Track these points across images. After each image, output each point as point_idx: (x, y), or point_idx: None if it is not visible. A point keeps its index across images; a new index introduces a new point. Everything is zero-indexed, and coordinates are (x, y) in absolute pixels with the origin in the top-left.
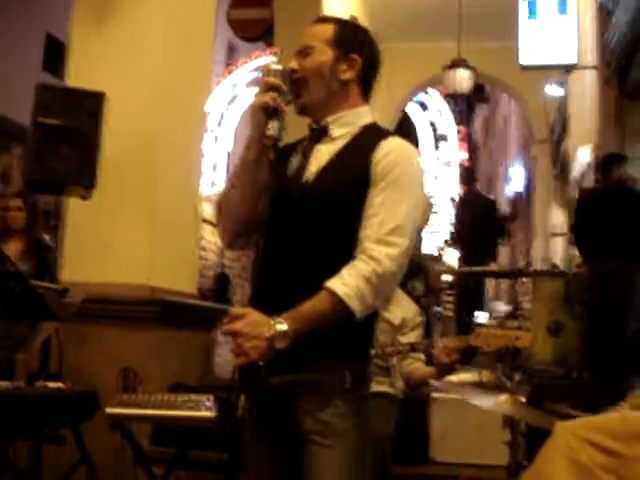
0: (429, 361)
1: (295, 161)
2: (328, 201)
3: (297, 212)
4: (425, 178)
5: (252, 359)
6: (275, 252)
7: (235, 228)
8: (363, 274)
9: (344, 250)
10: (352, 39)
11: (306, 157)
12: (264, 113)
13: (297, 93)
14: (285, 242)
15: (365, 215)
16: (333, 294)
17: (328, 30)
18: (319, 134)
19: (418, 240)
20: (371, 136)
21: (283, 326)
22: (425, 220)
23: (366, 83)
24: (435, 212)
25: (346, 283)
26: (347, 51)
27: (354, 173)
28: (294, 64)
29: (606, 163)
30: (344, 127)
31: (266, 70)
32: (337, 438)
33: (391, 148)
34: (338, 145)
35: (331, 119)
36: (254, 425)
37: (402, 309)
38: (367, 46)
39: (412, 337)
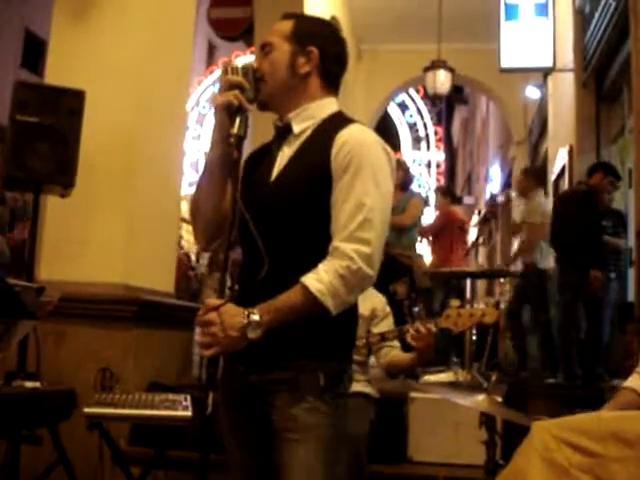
0: (407, 349)
1: (265, 162)
2: (290, 200)
3: (263, 213)
4: (392, 164)
5: (225, 349)
6: (246, 253)
7: (206, 230)
8: (337, 270)
9: (314, 248)
10: (309, 32)
11: (272, 158)
12: (227, 112)
13: (257, 90)
14: (254, 243)
15: (332, 210)
16: (307, 290)
17: (287, 26)
18: (283, 132)
19: (412, 238)
20: (329, 128)
21: (255, 316)
22: (418, 216)
23: (327, 74)
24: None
25: (320, 279)
26: (304, 44)
27: (313, 169)
28: (256, 62)
29: (594, 168)
30: (305, 121)
31: (226, 68)
32: (306, 433)
33: (347, 139)
34: (300, 141)
35: (292, 114)
36: (232, 422)
37: (370, 300)
38: (326, 37)
39: (384, 326)
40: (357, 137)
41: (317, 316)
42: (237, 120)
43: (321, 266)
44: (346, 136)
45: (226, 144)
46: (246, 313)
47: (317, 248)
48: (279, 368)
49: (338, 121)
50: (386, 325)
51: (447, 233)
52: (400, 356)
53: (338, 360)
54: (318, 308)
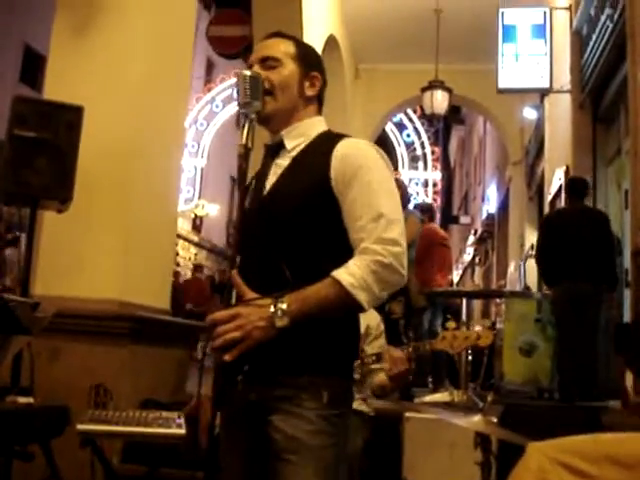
0: None
1: (257, 179)
2: (288, 209)
3: (262, 226)
4: (390, 167)
5: (253, 342)
6: (247, 267)
7: None
8: (369, 265)
9: (314, 259)
10: (311, 57)
11: (265, 173)
12: None
13: (263, 102)
14: (255, 257)
15: (349, 221)
16: (338, 283)
17: (289, 46)
18: (276, 149)
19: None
20: (323, 143)
21: (283, 305)
22: (415, 234)
23: (321, 100)
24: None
25: (352, 273)
26: (309, 68)
27: (309, 180)
28: (261, 72)
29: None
30: (298, 138)
31: (238, 76)
32: (307, 455)
33: (347, 151)
34: (293, 155)
35: (285, 132)
36: (229, 441)
37: (364, 317)
38: (322, 65)
39: (377, 346)
40: (356, 149)
41: (349, 312)
42: (245, 131)
43: (352, 261)
44: (345, 149)
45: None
46: (273, 301)
47: (312, 259)
48: (280, 384)
49: (331, 136)
50: (378, 344)
51: (429, 254)
52: (380, 378)
53: (341, 376)
54: (349, 303)
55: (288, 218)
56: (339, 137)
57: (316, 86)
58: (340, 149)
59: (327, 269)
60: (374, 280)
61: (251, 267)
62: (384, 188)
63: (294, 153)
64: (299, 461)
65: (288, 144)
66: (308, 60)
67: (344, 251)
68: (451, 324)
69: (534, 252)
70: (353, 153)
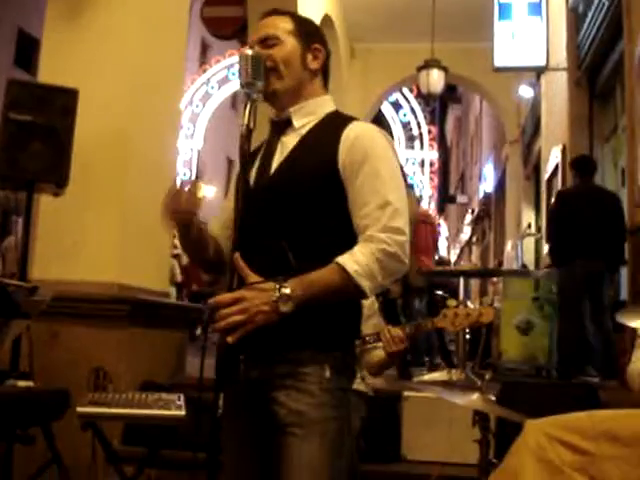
0: None
1: (263, 156)
2: (295, 190)
3: (266, 206)
4: (397, 156)
5: (255, 326)
6: (251, 248)
7: (207, 267)
8: (373, 253)
9: (317, 241)
10: (312, 31)
11: (271, 151)
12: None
13: (267, 80)
14: (258, 237)
15: (354, 206)
16: (343, 270)
17: (287, 22)
18: (283, 126)
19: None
20: (334, 123)
21: (287, 289)
22: (412, 215)
23: (325, 73)
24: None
25: (357, 260)
26: (310, 42)
27: (319, 160)
28: (262, 51)
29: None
30: (306, 116)
31: (239, 57)
32: (312, 428)
33: (357, 134)
34: (301, 134)
35: (293, 109)
36: (229, 421)
37: None
38: (323, 37)
39: (370, 325)
40: (367, 134)
41: (352, 298)
42: (247, 111)
43: (357, 248)
44: (356, 132)
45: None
46: (277, 286)
47: (318, 240)
48: (282, 361)
49: (340, 118)
50: (372, 323)
51: (412, 234)
52: (379, 355)
53: (343, 352)
54: (352, 290)
55: (294, 199)
56: (348, 120)
57: (319, 58)
58: (350, 133)
59: (330, 252)
60: (379, 268)
61: (254, 248)
62: (392, 177)
63: (302, 132)
64: (304, 434)
65: (296, 122)
66: (307, 33)
67: (347, 235)
68: (451, 302)
69: (545, 228)
70: (363, 138)
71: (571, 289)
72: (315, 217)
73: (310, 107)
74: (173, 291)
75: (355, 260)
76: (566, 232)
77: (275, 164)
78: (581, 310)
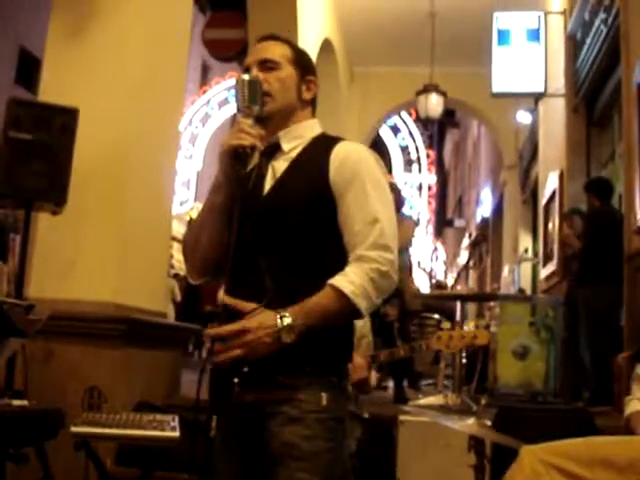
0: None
1: (253, 180)
2: (288, 210)
3: (260, 229)
4: (385, 173)
5: (258, 355)
6: (246, 271)
7: (203, 267)
8: (367, 273)
9: (314, 260)
10: (309, 62)
11: (262, 175)
12: (234, 157)
13: (263, 104)
14: (253, 261)
15: (344, 223)
16: (339, 292)
17: (287, 49)
18: (271, 150)
19: (403, 260)
20: (322, 144)
21: (288, 319)
22: (410, 238)
23: (314, 104)
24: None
25: (352, 281)
26: (306, 73)
27: (311, 180)
28: (260, 74)
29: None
30: (295, 140)
31: (237, 81)
32: (304, 461)
33: (346, 154)
34: (291, 157)
35: (282, 133)
36: (223, 445)
37: None
38: (315, 70)
39: (365, 343)
40: (355, 152)
41: (348, 320)
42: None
43: (350, 269)
44: (345, 151)
45: (230, 188)
46: (279, 317)
47: (312, 261)
48: (278, 386)
49: (328, 139)
50: (365, 344)
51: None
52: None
53: (338, 377)
54: (350, 311)
55: (287, 219)
56: (336, 140)
57: (312, 90)
58: (339, 152)
59: (323, 270)
60: (372, 288)
61: (247, 268)
62: (380, 194)
63: (292, 155)
64: (296, 466)
65: (285, 146)
66: (304, 64)
67: (339, 253)
68: (446, 324)
69: (578, 246)
70: (352, 157)
71: (592, 311)
72: (309, 236)
73: (298, 131)
74: (171, 311)
75: (350, 281)
76: (598, 253)
77: (267, 187)
78: (603, 335)
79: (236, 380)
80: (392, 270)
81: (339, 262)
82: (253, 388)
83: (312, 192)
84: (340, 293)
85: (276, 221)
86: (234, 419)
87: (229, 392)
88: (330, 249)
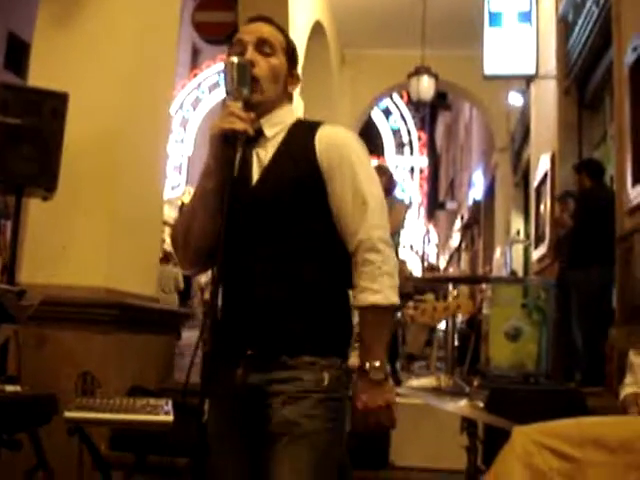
0: None
1: (236, 169)
2: (281, 196)
3: (253, 217)
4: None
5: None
6: (240, 260)
7: (196, 256)
8: (381, 274)
9: (307, 243)
10: (296, 55)
11: (247, 162)
12: (224, 140)
13: (253, 89)
14: (248, 248)
15: (338, 206)
16: (382, 307)
17: (281, 37)
18: (255, 136)
19: (395, 243)
20: (304, 128)
21: (376, 362)
22: (402, 221)
23: (292, 99)
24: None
25: (377, 290)
26: (293, 65)
27: (299, 164)
28: (255, 56)
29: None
30: (275, 126)
31: (226, 63)
32: (305, 439)
33: (332, 137)
34: (275, 143)
35: (264, 120)
36: (219, 428)
37: None
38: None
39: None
40: (340, 135)
41: (317, 311)
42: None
43: (365, 283)
44: (329, 134)
45: (221, 173)
46: (366, 369)
47: (307, 245)
48: (282, 366)
49: (309, 123)
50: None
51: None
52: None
53: (340, 357)
54: (392, 309)
55: (281, 205)
56: (317, 124)
57: (295, 85)
58: (323, 135)
59: (318, 253)
60: (389, 279)
61: (241, 258)
62: (368, 174)
63: (276, 141)
64: (295, 444)
65: (268, 132)
66: (294, 57)
67: (331, 233)
68: (429, 297)
69: (565, 229)
70: (337, 139)
71: (584, 294)
72: (301, 220)
73: (278, 117)
74: (176, 299)
75: (375, 291)
76: (588, 236)
77: (255, 175)
78: (595, 317)
79: (241, 362)
80: (390, 248)
81: (330, 242)
82: (257, 369)
83: (302, 176)
84: (383, 307)
85: (269, 208)
86: (234, 401)
87: (230, 375)
88: (321, 231)
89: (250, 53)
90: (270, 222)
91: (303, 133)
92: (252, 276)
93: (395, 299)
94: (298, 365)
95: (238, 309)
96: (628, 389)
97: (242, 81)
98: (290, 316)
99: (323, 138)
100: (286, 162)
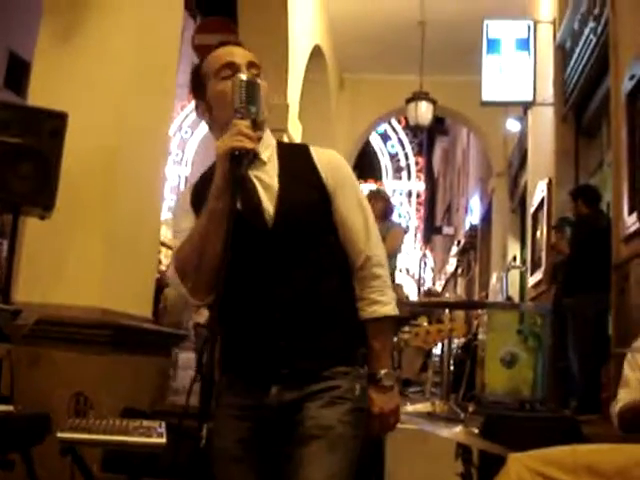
0: None
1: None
2: (299, 224)
3: (273, 243)
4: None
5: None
6: (259, 285)
7: (210, 282)
8: (386, 286)
9: (325, 260)
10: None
11: (249, 186)
12: (231, 159)
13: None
14: (267, 272)
15: (345, 222)
16: (390, 317)
17: (259, 63)
18: (246, 160)
19: (391, 267)
20: (294, 151)
21: (385, 369)
22: (399, 245)
23: None
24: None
25: (387, 302)
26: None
27: (309, 190)
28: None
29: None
30: (267, 149)
31: (235, 81)
32: (338, 443)
33: (329, 158)
34: (272, 167)
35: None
36: (236, 449)
37: None
38: None
39: None
40: (336, 156)
41: (343, 323)
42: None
43: (374, 293)
44: (327, 156)
45: (231, 192)
46: (379, 377)
47: (325, 258)
48: (318, 379)
49: (291, 145)
50: None
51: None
52: None
53: (364, 367)
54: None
55: (302, 232)
56: (303, 145)
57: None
58: (322, 157)
59: (331, 269)
60: (392, 292)
61: (259, 286)
62: (362, 197)
63: (272, 165)
64: (330, 446)
65: (262, 154)
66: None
67: (338, 249)
68: (423, 320)
69: (564, 255)
70: (334, 160)
71: (584, 322)
72: (318, 238)
73: (267, 139)
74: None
75: (386, 302)
76: (585, 262)
77: (265, 200)
78: (592, 345)
79: (276, 384)
80: (385, 265)
81: (341, 254)
82: (292, 387)
83: (315, 200)
84: (390, 318)
85: (290, 235)
86: (258, 421)
87: (258, 396)
88: (333, 244)
89: (248, 74)
90: (289, 247)
91: (296, 156)
92: (274, 298)
93: (397, 310)
94: (333, 375)
95: (262, 332)
96: (622, 399)
97: (251, 99)
98: (321, 333)
99: (322, 159)
100: (297, 188)
